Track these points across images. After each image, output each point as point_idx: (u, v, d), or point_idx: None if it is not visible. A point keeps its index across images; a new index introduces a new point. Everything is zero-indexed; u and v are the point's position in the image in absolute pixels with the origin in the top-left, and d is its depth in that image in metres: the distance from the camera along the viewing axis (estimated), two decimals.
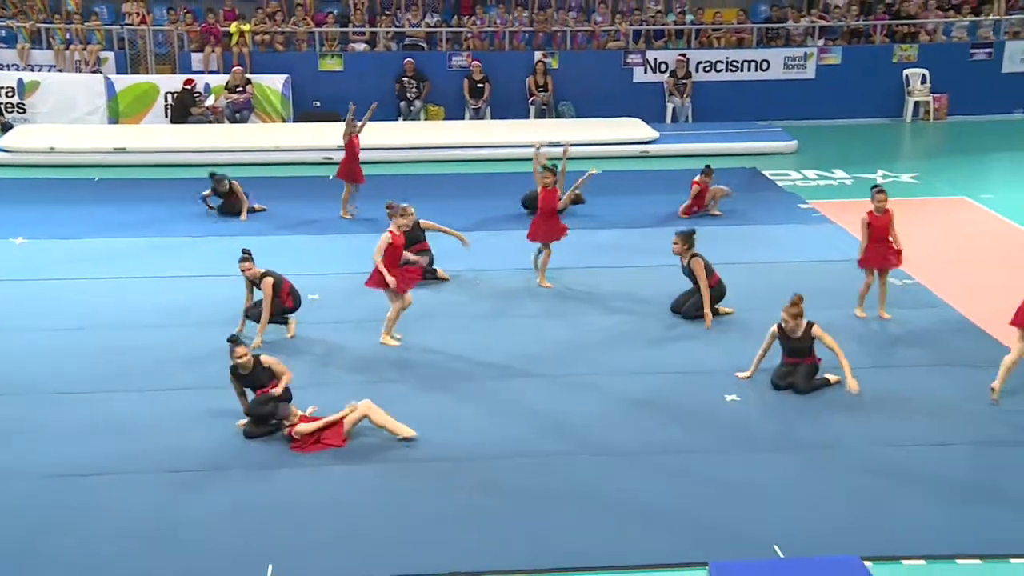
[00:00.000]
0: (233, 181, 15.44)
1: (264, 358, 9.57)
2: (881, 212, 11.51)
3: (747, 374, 10.32)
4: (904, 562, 7.63)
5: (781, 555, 7.66)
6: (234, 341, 9.48)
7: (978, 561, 7.66)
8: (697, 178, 15.40)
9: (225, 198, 15.48)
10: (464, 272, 13.07)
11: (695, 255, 11.60)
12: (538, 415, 9.73)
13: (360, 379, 10.34)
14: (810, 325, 9.99)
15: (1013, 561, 7.66)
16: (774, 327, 10.14)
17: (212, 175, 15.42)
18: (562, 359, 10.88)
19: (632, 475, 8.73)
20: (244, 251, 11.24)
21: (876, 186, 11.85)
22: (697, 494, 8.44)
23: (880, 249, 11.54)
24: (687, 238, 11.66)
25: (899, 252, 11.58)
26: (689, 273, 11.72)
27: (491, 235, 14.30)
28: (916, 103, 22.24)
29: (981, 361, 10.56)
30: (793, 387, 10.04)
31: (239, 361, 9.35)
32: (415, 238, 12.54)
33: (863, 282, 11.70)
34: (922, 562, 7.64)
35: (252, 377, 9.47)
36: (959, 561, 7.65)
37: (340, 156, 15.50)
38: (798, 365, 10.08)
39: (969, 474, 8.75)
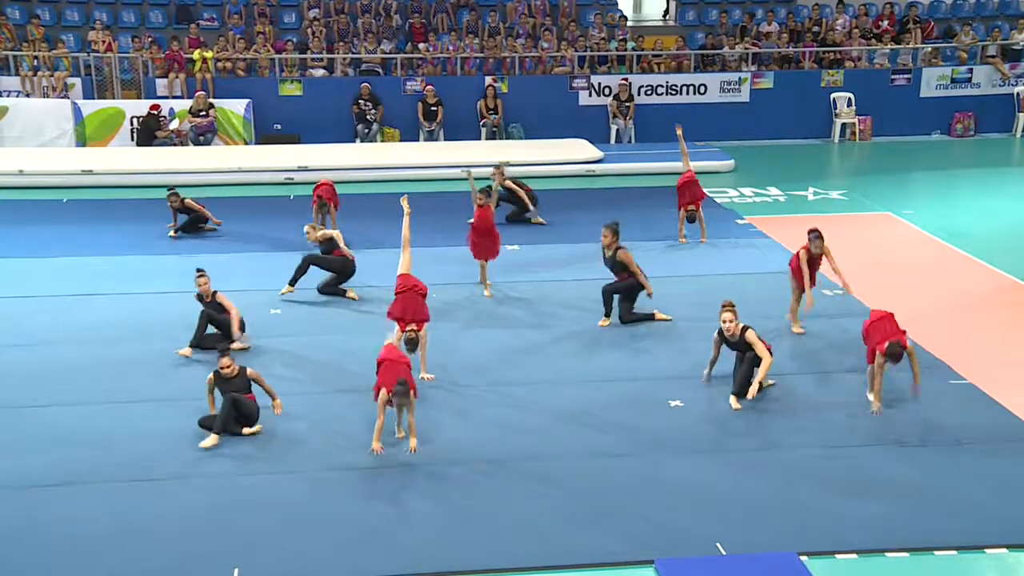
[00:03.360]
0: (186, 198, 15.25)
1: (250, 371, 9.64)
2: (818, 253, 11.34)
3: (704, 379, 10.34)
4: (837, 556, 7.68)
5: (723, 552, 7.68)
6: (224, 352, 9.62)
7: (905, 554, 7.73)
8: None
9: (186, 214, 15.32)
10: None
11: (621, 247, 11.55)
12: (486, 422, 9.67)
13: (322, 389, 10.26)
14: (745, 329, 9.96)
15: (937, 553, 7.74)
16: (715, 334, 10.17)
17: (168, 188, 15.37)
18: (510, 368, 10.82)
19: (579, 477, 8.70)
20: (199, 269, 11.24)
21: (813, 229, 11.45)
22: (642, 495, 8.43)
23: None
24: (616, 231, 11.60)
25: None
26: (615, 265, 11.64)
27: (443, 251, 14.22)
28: (843, 125, 22.51)
29: (905, 365, 10.65)
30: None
31: (224, 371, 9.41)
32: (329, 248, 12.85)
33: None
34: (854, 556, 7.69)
35: (234, 383, 9.45)
36: (888, 554, 7.72)
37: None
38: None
39: (897, 474, 8.80)
